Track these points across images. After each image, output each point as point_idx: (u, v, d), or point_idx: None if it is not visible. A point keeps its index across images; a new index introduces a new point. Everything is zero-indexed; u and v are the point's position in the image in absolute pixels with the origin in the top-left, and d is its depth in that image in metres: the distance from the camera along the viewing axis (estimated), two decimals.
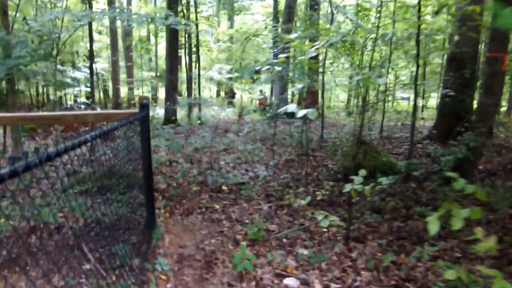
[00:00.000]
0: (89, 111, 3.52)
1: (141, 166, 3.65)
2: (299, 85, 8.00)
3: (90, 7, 9.40)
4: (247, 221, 4.76)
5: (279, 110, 2.91)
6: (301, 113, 2.57)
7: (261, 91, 22.27)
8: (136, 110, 3.54)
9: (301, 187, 6.21)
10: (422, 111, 21.88)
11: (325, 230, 4.42)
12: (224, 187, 6.12)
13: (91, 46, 8.99)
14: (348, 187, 3.20)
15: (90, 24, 9.03)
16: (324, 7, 22.41)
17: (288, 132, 12.69)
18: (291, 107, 2.72)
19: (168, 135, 6.90)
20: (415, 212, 5.07)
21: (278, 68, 5.02)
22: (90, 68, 8.92)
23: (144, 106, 3.42)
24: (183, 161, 7.94)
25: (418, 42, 6.18)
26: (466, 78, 9.49)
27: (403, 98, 34.25)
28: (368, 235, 4.43)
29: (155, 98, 27.88)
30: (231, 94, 22.82)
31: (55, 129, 9.13)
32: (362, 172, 3.32)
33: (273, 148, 7.99)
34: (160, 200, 5.45)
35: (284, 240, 4.21)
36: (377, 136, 11.74)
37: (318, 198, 4.09)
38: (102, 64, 27.40)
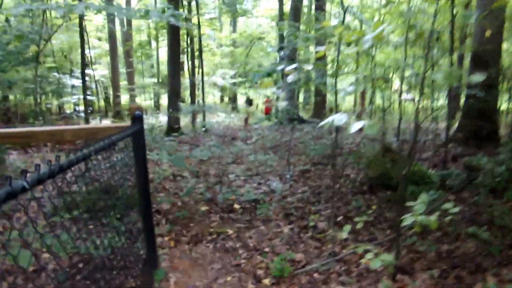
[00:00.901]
0: (68, 127, 2.77)
1: (136, 191, 2.92)
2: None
3: None
4: (267, 249, 3.99)
5: (323, 123, 2.09)
6: (355, 126, 1.82)
7: (268, 96, 21.50)
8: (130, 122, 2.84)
9: (323, 202, 5.46)
10: (432, 112, 21.11)
11: (363, 259, 3.66)
12: (236, 206, 5.37)
13: (82, 49, 8.25)
14: (408, 219, 2.43)
15: (80, 24, 8.32)
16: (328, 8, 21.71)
17: (300, 139, 11.94)
18: (340, 118, 1.96)
19: (170, 148, 6.16)
20: (464, 232, 4.30)
21: (308, 67, 4.26)
22: (82, 73, 8.16)
23: (137, 118, 2.69)
24: (188, 175, 7.21)
25: (452, 34, 5.43)
26: (491, 77, 8.74)
27: (408, 99, 33.63)
28: (415, 263, 3.66)
29: (157, 105, 27.23)
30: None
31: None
32: (423, 198, 2.56)
33: (288, 159, 7.22)
34: (164, 224, 4.71)
35: (315, 275, 3.45)
36: (394, 140, 10.97)
37: (359, 226, 3.34)
38: (102, 71, 26.80)
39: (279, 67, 6.00)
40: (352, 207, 5.13)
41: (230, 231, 4.46)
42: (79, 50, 22.08)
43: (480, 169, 6.15)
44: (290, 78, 3.37)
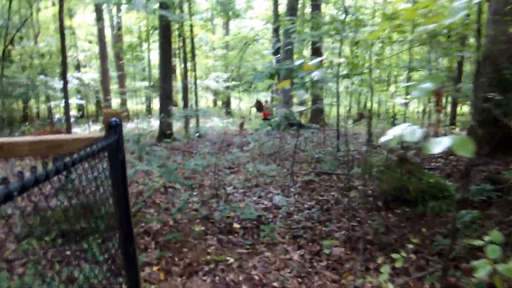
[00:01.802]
0: (23, 138, 2.08)
1: (113, 222, 2.25)
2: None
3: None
4: (275, 283, 3.33)
5: (386, 139, 1.40)
6: (440, 145, 1.17)
7: (266, 101, 20.83)
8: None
9: (334, 221, 4.81)
10: (429, 117, 20.56)
11: None
12: (235, 225, 4.70)
13: (63, 47, 7.53)
14: (483, 269, 1.77)
15: (61, 21, 7.60)
16: (323, 8, 21.12)
17: (300, 144, 11.30)
18: (410, 132, 1.31)
19: (160, 158, 5.47)
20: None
21: (342, 60, 3.59)
22: (63, 74, 7.46)
23: (113, 127, 2.03)
24: (181, 187, 6.55)
25: (479, 31, 4.83)
26: (506, 79, 8.15)
27: (401, 104, 33.20)
28: None
29: (149, 109, 26.53)
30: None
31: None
32: (496, 235, 1.91)
33: (293, 170, 6.57)
34: (153, 249, 4.04)
35: None
36: (398, 147, 10.36)
37: (398, 264, 2.70)
38: (92, 74, 26.10)
39: (284, 65, 5.35)
40: (369, 227, 4.48)
41: (231, 259, 3.78)
42: (69, 53, 21.46)
43: (505, 182, 5.55)
44: (316, 75, 2.71)
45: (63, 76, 7.47)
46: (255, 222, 4.74)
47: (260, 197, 6.06)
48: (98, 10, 21.46)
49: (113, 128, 2.07)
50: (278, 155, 9.68)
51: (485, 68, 8.46)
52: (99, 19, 21.25)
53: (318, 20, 6.83)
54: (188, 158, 10.06)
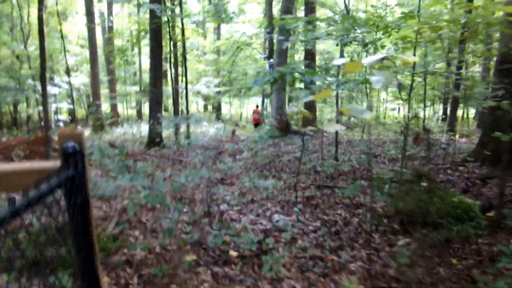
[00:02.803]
0: None
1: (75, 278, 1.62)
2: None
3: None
4: None
5: None
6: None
7: (257, 106, 20.17)
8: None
9: (347, 248, 4.19)
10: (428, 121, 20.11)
11: None
12: (232, 252, 4.05)
13: (42, 50, 6.87)
14: None
15: (40, 21, 6.94)
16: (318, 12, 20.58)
17: (293, 153, 10.69)
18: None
19: (143, 180, 4.78)
20: None
21: (411, 58, 2.96)
22: (42, 78, 6.78)
23: (71, 156, 1.39)
24: (169, 203, 5.90)
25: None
26: None
27: (392, 109, 32.81)
28: None
29: (140, 114, 25.87)
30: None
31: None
32: None
33: (296, 186, 5.94)
34: (135, 285, 3.39)
35: None
36: (399, 156, 9.78)
37: None
38: (83, 78, 25.41)
39: (290, 69, 4.75)
40: (389, 257, 3.86)
41: None
42: (60, 57, 20.70)
43: None
44: (377, 81, 2.08)
45: (41, 80, 6.79)
46: (254, 249, 4.10)
47: (257, 215, 5.43)
48: (90, 13, 20.76)
49: (71, 156, 1.43)
50: (273, 165, 9.06)
51: (500, 73, 7.90)
52: (90, 22, 20.56)
53: (328, 18, 6.20)
54: (178, 166, 9.42)
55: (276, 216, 5.28)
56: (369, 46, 5.52)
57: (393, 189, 5.31)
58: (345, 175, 7.74)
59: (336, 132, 9.12)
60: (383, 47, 5.91)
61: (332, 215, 5.34)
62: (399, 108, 34.35)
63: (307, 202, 5.98)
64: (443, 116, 19.72)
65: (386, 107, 28.06)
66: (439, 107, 24.22)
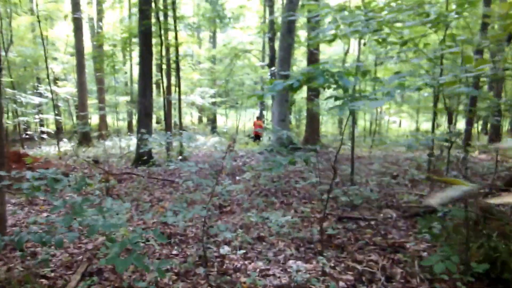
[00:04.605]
0: None
1: None
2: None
3: None
4: None
5: None
6: None
7: (258, 118, 18.91)
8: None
9: None
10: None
11: None
12: None
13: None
14: None
15: None
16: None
17: (300, 172, 9.47)
18: None
19: (121, 218, 3.55)
20: None
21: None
22: None
23: None
24: (155, 242, 4.67)
25: None
26: None
27: (393, 121, 31.61)
28: None
29: (130, 126, 24.54)
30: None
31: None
32: None
33: (322, 225, 4.67)
34: None
35: None
36: (421, 177, 8.57)
37: None
38: (70, 88, 24.07)
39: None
40: None
41: None
42: (48, 65, 19.42)
43: None
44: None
45: None
46: None
47: (268, 261, 4.18)
48: (77, 19, 19.50)
49: None
50: (279, 187, 7.80)
51: None
52: (78, 28, 19.29)
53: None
54: (168, 189, 8.16)
55: (293, 264, 4.04)
56: (408, 43, 4.32)
57: (445, 230, 4.08)
58: (367, 202, 6.50)
59: (352, 151, 7.92)
60: (426, 45, 4.70)
61: (365, 262, 4.09)
62: (400, 121, 33.24)
63: (329, 242, 4.74)
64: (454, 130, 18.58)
65: (388, 120, 26.81)
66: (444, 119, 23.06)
